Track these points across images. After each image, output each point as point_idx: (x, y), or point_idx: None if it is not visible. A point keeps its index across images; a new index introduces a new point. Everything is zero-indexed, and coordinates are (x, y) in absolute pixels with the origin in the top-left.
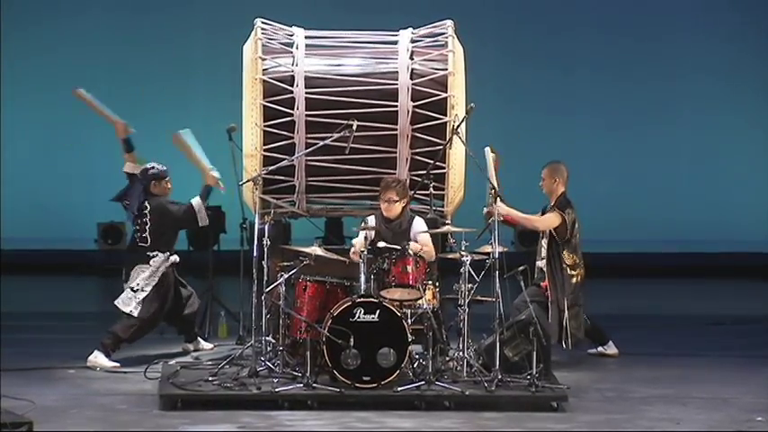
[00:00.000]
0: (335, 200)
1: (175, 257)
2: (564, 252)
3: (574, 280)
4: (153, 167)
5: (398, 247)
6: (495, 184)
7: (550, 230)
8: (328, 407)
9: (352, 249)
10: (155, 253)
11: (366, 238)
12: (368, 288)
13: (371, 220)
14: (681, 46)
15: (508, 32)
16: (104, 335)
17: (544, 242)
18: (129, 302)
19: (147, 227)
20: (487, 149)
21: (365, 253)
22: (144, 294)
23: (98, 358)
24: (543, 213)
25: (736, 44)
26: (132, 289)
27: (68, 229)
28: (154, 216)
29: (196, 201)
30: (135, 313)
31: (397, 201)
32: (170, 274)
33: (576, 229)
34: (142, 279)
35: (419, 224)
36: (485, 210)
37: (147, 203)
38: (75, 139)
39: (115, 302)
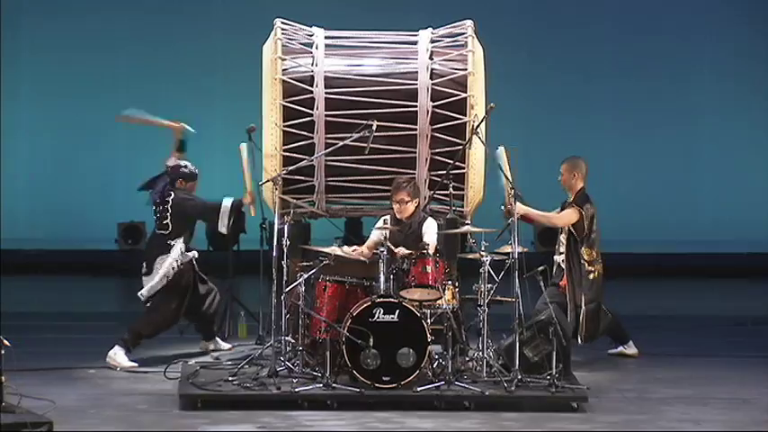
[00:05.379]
0: (355, 200)
1: (194, 253)
2: (582, 248)
3: (591, 276)
4: (186, 167)
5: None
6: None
7: (569, 226)
8: (348, 407)
9: (353, 248)
10: (175, 241)
11: (385, 237)
12: (387, 288)
13: (389, 220)
14: (701, 48)
15: (528, 32)
16: (125, 331)
17: (563, 238)
18: (151, 290)
19: (167, 214)
20: (501, 149)
21: (384, 252)
22: (164, 282)
23: (117, 354)
24: (562, 209)
25: (759, 46)
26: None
27: (88, 230)
28: (175, 208)
29: (227, 202)
30: (144, 296)
31: (408, 201)
32: (188, 271)
33: (595, 225)
34: (166, 266)
35: (429, 225)
36: (502, 208)
37: (171, 192)
38: (94, 138)
39: (139, 293)
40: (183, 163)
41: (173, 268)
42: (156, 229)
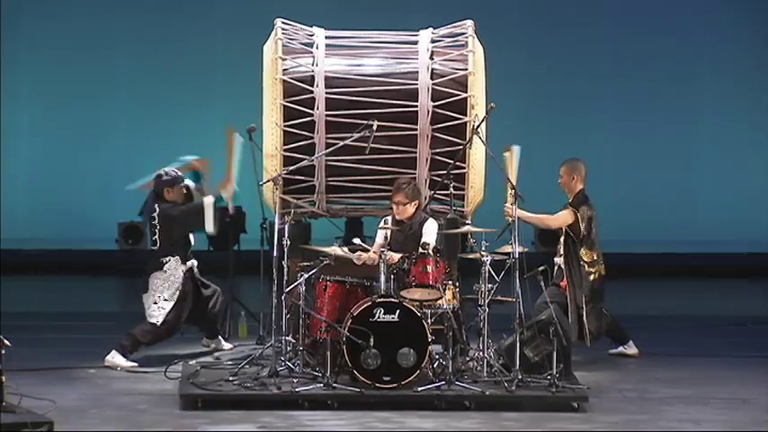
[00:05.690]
0: (356, 200)
1: (193, 262)
2: (581, 249)
3: (591, 277)
4: (165, 174)
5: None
6: (514, 184)
7: (566, 228)
8: (348, 407)
9: (358, 254)
10: (167, 258)
11: (386, 237)
12: (388, 288)
13: (390, 220)
14: (701, 48)
15: (528, 32)
16: (123, 336)
17: (562, 239)
18: (153, 315)
19: (156, 230)
20: (517, 148)
21: (384, 253)
22: (170, 305)
23: (115, 358)
24: None
25: (758, 46)
26: (155, 302)
27: (88, 230)
28: (161, 221)
29: (207, 200)
30: (160, 321)
31: (407, 203)
32: (188, 281)
33: (594, 227)
34: (161, 291)
35: (429, 226)
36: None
37: (156, 207)
38: (94, 138)
39: (154, 321)
40: (161, 171)
41: (178, 290)
42: (150, 246)
